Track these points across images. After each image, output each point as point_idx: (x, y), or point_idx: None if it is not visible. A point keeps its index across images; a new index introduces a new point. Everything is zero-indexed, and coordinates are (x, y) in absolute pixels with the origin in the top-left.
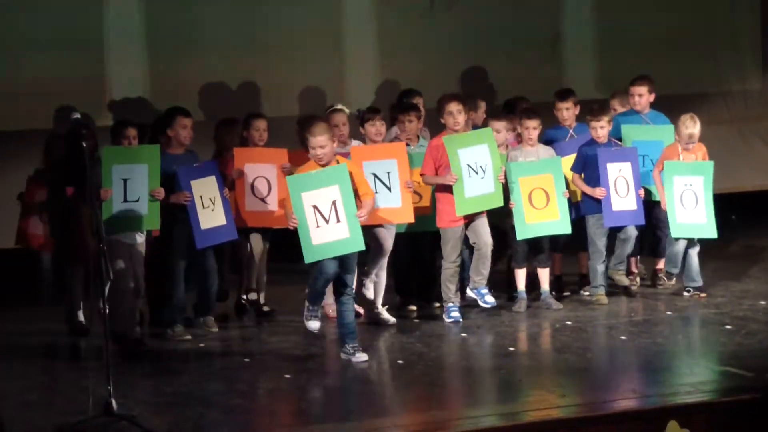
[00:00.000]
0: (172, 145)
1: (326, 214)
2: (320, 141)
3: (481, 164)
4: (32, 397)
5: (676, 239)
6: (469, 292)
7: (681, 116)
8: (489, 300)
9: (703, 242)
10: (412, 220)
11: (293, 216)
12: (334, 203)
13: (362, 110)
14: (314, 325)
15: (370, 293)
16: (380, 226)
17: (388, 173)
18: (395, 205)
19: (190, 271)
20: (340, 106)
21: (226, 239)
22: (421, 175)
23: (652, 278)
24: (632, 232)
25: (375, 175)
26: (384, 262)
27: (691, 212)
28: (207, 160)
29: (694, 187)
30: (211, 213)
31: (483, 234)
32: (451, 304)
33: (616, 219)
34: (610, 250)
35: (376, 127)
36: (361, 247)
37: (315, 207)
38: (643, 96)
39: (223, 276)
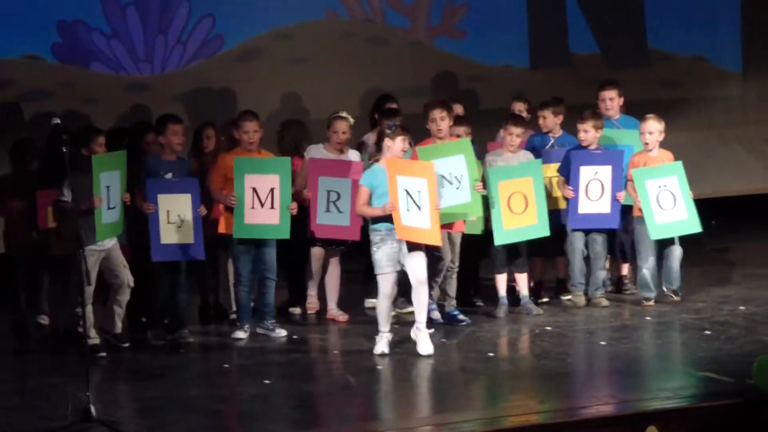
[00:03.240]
0: (164, 152)
1: (263, 198)
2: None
3: (456, 174)
4: (13, 401)
5: (668, 254)
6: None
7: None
8: (462, 319)
9: (682, 247)
10: (440, 243)
11: (233, 194)
12: (272, 190)
13: (393, 125)
14: (240, 335)
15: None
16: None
17: (419, 192)
18: (425, 227)
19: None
20: (343, 114)
21: (188, 258)
22: None
23: (617, 284)
24: (600, 252)
25: (407, 192)
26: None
27: (671, 211)
28: (189, 177)
29: (669, 187)
30: (176, 229)
31: (444, 253)
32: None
33: (582, 222)
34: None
35: (405, 143)
36: (287, 236)
37: (254, 189)
38: (613, 100)
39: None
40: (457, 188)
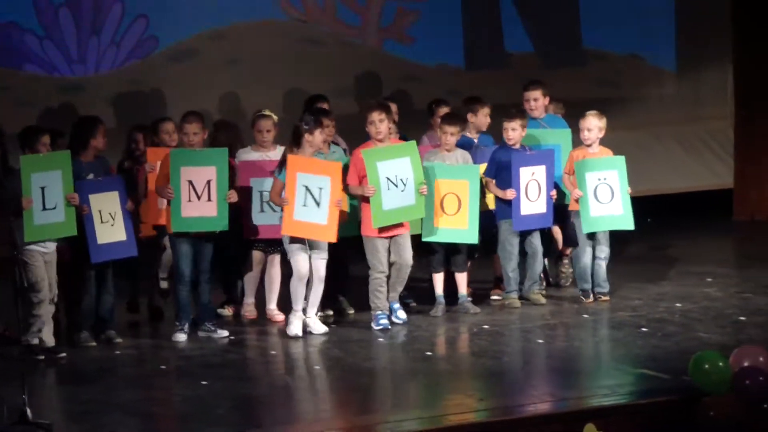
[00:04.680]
0: (87, 153)
1: (199, 190)
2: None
3: (401, 177)
4: None
5: (581, 252)
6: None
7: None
8: (401, 316)
9: (619, 244)
10: (334, 239)
11: (170, 188)
12: (209, 182)
13: (310, 117)
14: (181, 337)
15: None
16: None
17: (320, 189)
18: (321, 222)
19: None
20: (267, 112)
21: (124, 255)
22: (346, 184)
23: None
24: (537, 246)
25: (307, 188)
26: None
27: (607, 205)
28: (113, 175)
29: (608, 181)
30: (110, 228)
31: (404, 253)
32: (379, 312)
33: (525, 223)
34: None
35: (324, 134)
36: (225, 227)
37: (190, 182)
38: (537, 100)
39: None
40: (402, 191)
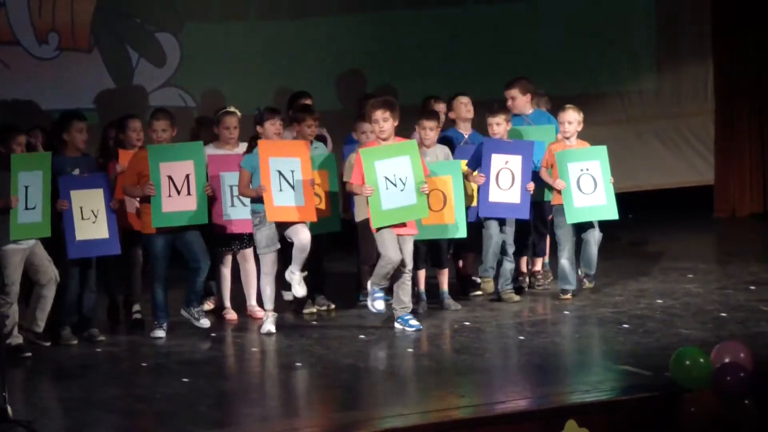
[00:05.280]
0: (68, 149)
1: (179, 185)
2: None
3: (400, 176)
4: None
5: (585, 238)
6: (396, 324)
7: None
8: (414, 324)
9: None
10: (314, 218)
11: (151, 184)
12: (187, 177)
13: (261, 109)
14: (160, 333)
15: (299, 291)
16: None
17: (292, 171)
18: (300, 204)
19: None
20: (232, 109)
21: (104, 253)
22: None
23: (529, 278)
24: (509, 246)
25: (280, 173)
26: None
27: (590, 196)
28: (98, 172)
29: (591, 171)
30: (91, 225)
31: (405, 257)
32: (376, 288)
33: (493, 210)
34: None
35: (276, 126)
36: (205, 221)
37: (170, 177)
38: (516, 99)
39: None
40: (402, 190)
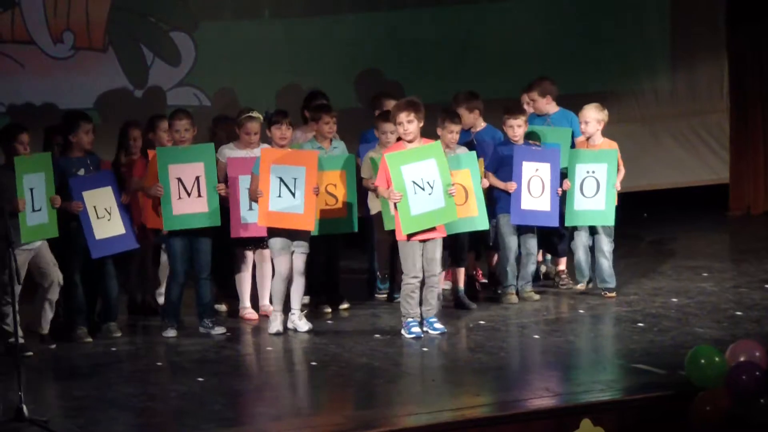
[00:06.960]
0: (73, 149)
1: (189, 187)
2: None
3: (428, 180)
4: None
5: (597, 256)
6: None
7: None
8: (438, 327)
9: (614, 239)
10: (312, 228)
11: (159, 185)
12: (197, 179)
13: (270, 112)
14: (171, 332)
15: (303, 327)
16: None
17: (295, 179)
18: (298, 211)
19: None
20: (255, 114)
21: (124, 249)
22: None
23: (554, 278)
24: (532, 247)
25: (281, 179)
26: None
27: (590, 200)
28: (104, 170)
29: (596, 174)
30: (107, 223)
31: (430, 265)
32: (410, 319)
33: (524, 217)
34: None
35: (281, 131)
36: (217, 223)
37: (179, 179)
38: (536, 101)
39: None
40: (430, 194)
